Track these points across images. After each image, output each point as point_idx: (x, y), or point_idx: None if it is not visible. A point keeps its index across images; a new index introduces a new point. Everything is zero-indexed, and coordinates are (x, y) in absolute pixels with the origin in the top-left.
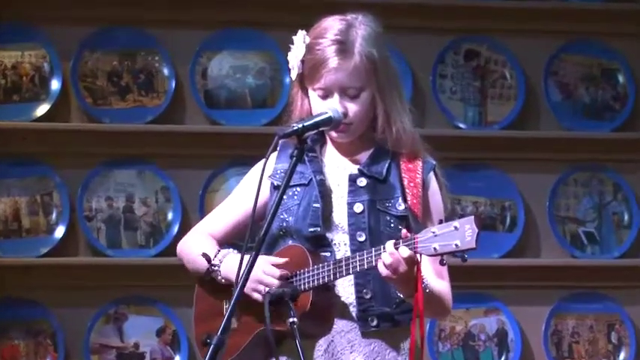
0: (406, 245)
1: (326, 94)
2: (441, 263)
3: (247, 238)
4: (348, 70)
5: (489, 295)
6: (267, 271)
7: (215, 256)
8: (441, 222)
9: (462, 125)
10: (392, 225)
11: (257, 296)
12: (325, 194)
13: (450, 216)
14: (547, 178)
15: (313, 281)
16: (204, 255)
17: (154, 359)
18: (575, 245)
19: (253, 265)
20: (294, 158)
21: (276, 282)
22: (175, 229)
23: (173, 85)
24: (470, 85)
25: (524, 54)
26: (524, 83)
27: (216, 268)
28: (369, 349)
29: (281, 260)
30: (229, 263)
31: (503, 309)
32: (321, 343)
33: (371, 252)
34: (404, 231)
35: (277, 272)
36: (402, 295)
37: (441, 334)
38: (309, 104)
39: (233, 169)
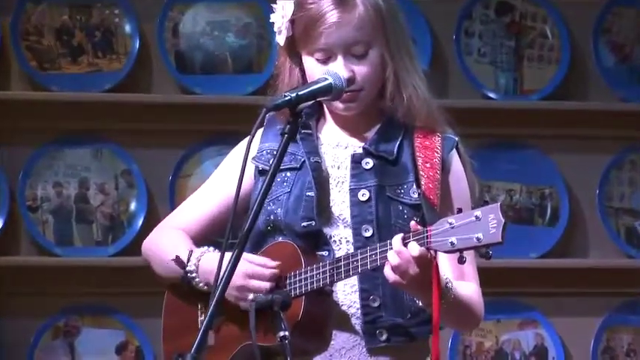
0: (417, 240)
1: (327, 57)
2: (460, 261)
3: (228, 234)
4: (351, 23)
5: (525, 303)
6: (252, 273)
7: (189, 259)
8: (459, 211)
9: (492, 95)
10: (405, 216)
11: (243, 305)
12: (321, 180)
13: (479, 205)
14: (597, 161)
15: (306, 285)
16: (177, 260)
17: None
18: (631, 243)
19: (236, 266)
20: (286, 136)
21: (265, 285)
22: (139, 222)
23: (137, 45)
24: (502, 46)
25: (569, 7)
26: (569, 43)
27: (194, 274)
28: None
29: (272, 262)
30: (209, 265)
31: (542, 321)
32: None
33: (375, 249)
34: (412, 223)
35: (266, 272)
36: (420, 303)
37: (466, 352)
38: (300, 76)
39: (210, 148)
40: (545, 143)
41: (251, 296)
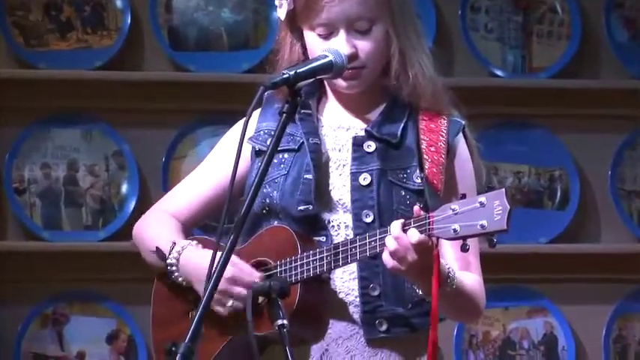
0: (417, 227)
1: (329, 32)
2: (463, 249)
3: (223, 219)
4: None
5: (534, 290)
6: (237, 278)
7: (170, 252)
8: (463, 197)
9: (499, 73)
10: (408, 202)
11: (219, 310)
12: (320, 162)
13: (486, 191)
14: (609, 141)
15: (302, 272)
16: (157, 251)
17: None
18: None
19: (231, 254)
20: (285, 115)
21: (243, 291)
22: (131, 206)
23: (128, 20)
24: (510, 21)
25: None
26: (580, 18)
27: (173, 267)
28: None
29: (254, 272)
30: (189, 260)
31: (552, 309)
32: (312, 354)
33: (375, 235)
34: (416, 208)
35: (251, 280)
36: (420, 292)
37: (472, 341)
38: (301, 52)
39: (205, 128)
40: (554, 123)
41: (230, 302)
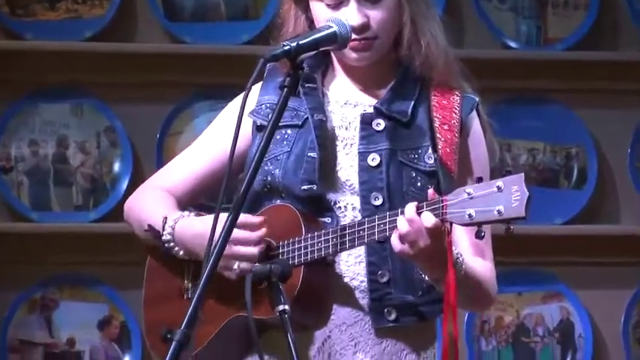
0: (431, 210)
1: (338, 1)
2: (478, 236)
3: (222, 196)
4: None
5: (549, 274)
6: (235, 238)
7: (163, 228)
8: (479, 180)
9: (513, 44)
10: (419, 184)
11: (229, 275)
12: (325, 140)
13: (498, 169)
14: (628, 117)
15: (306, 255)
16: (150, 229)
17: None
18: None
19: (230, 233)
20: (286, 89)
21: (254, 251)
22: (124, 185)
23: None
24: None
25: None
26: None
27: (171, 243)
28: (378, 350)
29: (256, 219)
30: (185, 231)
31: (568, 294)
32: (314, 340)
33: (385, 217)
34: (430, 191)
35: (252, 236)
36: (427, 279)
37: (484, 328)
38: (307, 25)
39: (202, 103)
40: (571, 98)
41: (236, 265)
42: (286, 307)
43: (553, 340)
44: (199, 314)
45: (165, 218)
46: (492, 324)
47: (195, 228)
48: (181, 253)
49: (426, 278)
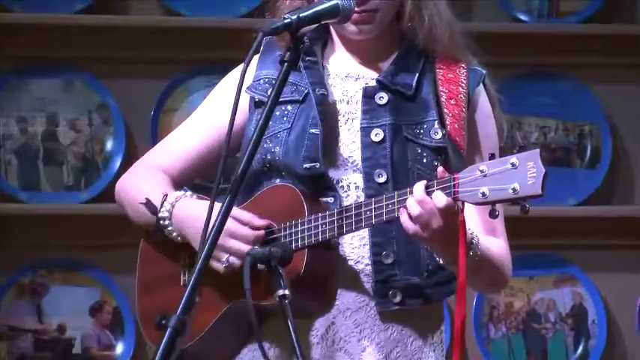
0: (442, 189)
1: None
2: (492, 215)
3: (219, 176)
4: None
5: (561, 257)
6: (234, 232)
7: (162, 204)
8: (492, 157)
9: (524, 18)
10: (425, 160)
11: (216, 266)
12: (327, 115)
13: (508, 147)
14: None
15: (309, 237)
16: (148, 203)
17: (87, 348)
18: None
19: (227, 215)
20: (287, 63)
21: (244, 248)
22: (117, 164)
23: None
24: None
25: None
26: None
27: (166, 221)
28: (384, 337)
29: (260, 222)
30: (184, 212)
31: (582, 277)
32: (317, 326)
33: (392, 197)
34: (440, 169)
35: (249, 235)
36: (440, 261)
37: (492, 313)
38: None
39: (198, 79)
40: (584, 73)
41: (225, 258)
42: (286, 292)
43: (565, 327)
44: (196, 300)
45: (166, 195)
46: (502, 310)
47: (195, 210)
48: (174, 234)
49: (440, 261)
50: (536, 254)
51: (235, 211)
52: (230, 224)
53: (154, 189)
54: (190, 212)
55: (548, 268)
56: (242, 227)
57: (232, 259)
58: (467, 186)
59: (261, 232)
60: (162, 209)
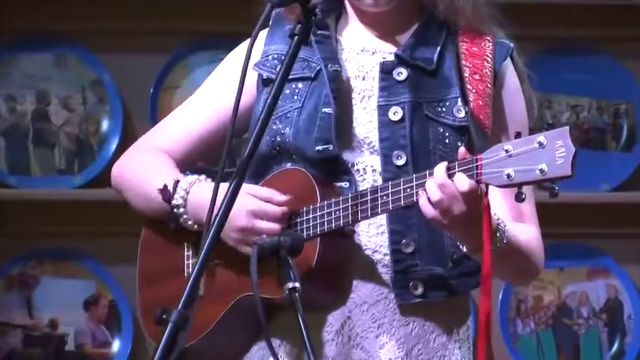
0: (464, 171)
1: None
2: (518, 198)
3: (224, 159)
4: None
5: (595, 247)
6: (258, 210)
7: (175, 190)
8: (518, 135)
9: None
10: (447, 140)
11: (246, 250)
12: (341, 93)
13: (538, 128)
14: None
15: (322, 225)
16: (163, 190)
17: (81, 345)
18: None
19: (233, 200)
20: (297, 37)
21: (276, 227)
22: (113, 146)
23: None
24: None
25: None
26: None
27: (181, 209)
28: (404, 332)
29: (282, 197)
30: (200, 198)
31: (616, 269)
32: (332, 321)
33: (411, 180)
34: (462, 149)
35: (277, 210)
36: (464, 249)
37: (520, 307)
38: None
39: (200, 53)
40: (620, 48)
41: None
42: (296, 284)
43: (599, 322)
44: (200, 293)
45: (177, 181)
46: (530, 304)
47: (210, 194)
48: (190, 222)
49: (463, 249)
50: (567, 244)
51: (252, 188)
52: (252, 203)
53: (161, 173)
54: (207, 197)
55: (580, 259)
56: (266, 205)
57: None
58: (491, 167)
59: (286, 207)
60: (175, 196)
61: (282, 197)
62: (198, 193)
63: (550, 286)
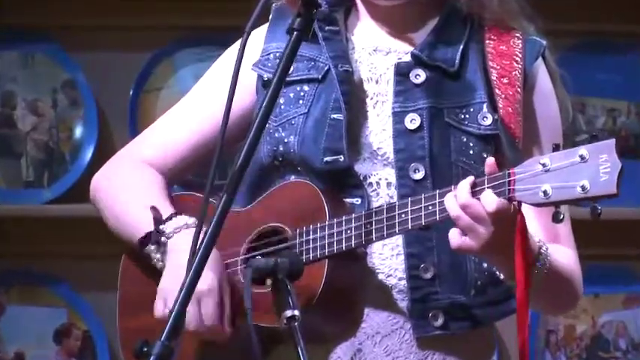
0: (494, 187)
1: None
2: (556, 219)
3: (212, 171)
4: None
5: (633, 271)
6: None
7: (166, 222)
8: (556, 148)
9: None
10: (471, 152)
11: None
12: (353, 97)
13: (570, 135)
14: None
15: (330, 245)
16: (154, 210)
17: None
18: None
19: (224, 217)
20: (296, 32)
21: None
22: (87, 155)
23: None
24: None
25: None
26: None
27: (162, 237)
28: None
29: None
30: (180, 246)
31: None
32: (340, 355)
33: (434, 197)
34: (490, 160)
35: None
36: (501, 276)
37: (550, 339)
38: None
39: (187, 51)
40: None
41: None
42: (295, 312)
43: (639, 356)
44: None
45: (174, 214)
46: (561, 334)
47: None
48: (158, 262)
49: (500, 276)
50: (603, 267)
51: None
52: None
53: (150, 192)
54: (186, 250)
55: (617, 285)
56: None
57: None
58: (525, 183)
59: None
60: (166, 225)
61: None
62: (180, 241)
63: (583, 314)
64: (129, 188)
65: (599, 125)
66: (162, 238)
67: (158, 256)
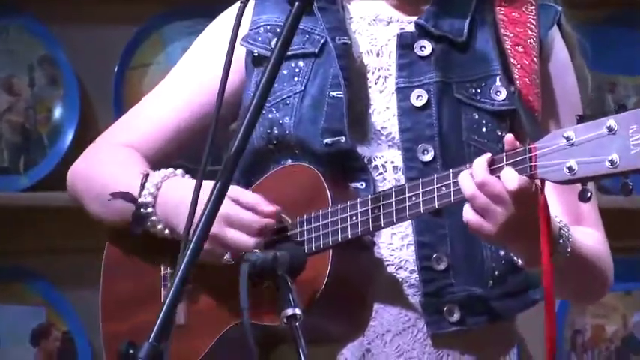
0: (514, 164)
1: None
2: (583, 197)
3: (206, 154)
4: None
5: None
6: (234, 219)
7: (143, 186)
8: (581, 119)
9: None
10: (484, 129)
11: (222, 260)
12: (353, 72)
13: (593, 111)
14: None
15: (334, 234)
16: (125, 195)
17: None
18: None
19: (219, 204)
20: (296, 4)
21: (248, 242)
22: (68, 138)
23: None
24: None
25: None
26: None
27: (149, 208)
28: None
29: (269, 207)
30: (174, 195)
31: None
32: (348, 355)
33: (447, 177)
34: (509, 136)
35: (255, 222)
36: (519, 262)
37: (576, 340)
38: None
39: (176, 24)
40: None
41: (227, 255)
42: (296, 310)
43: None
44: (180, 321)
45: (146, 175)
46: (588, 335)
47: (186, 191)
48: (159, 226)
49: (519, 262)
50: (635, 260)
51: (236, 190)
52: (230, 209)
53: (126, 172)
54: (183, 195)
55: None
56: (243, 212)
57: (227, 256)
58: (548, 159)
59: (271, 220)
60: (143, 193)
61: (269, 208)
62: (172, 191)
63: (613, 313)
64: (108, 166)
65: (630, 106)
66: (149, 209)
67: (159, 227)
